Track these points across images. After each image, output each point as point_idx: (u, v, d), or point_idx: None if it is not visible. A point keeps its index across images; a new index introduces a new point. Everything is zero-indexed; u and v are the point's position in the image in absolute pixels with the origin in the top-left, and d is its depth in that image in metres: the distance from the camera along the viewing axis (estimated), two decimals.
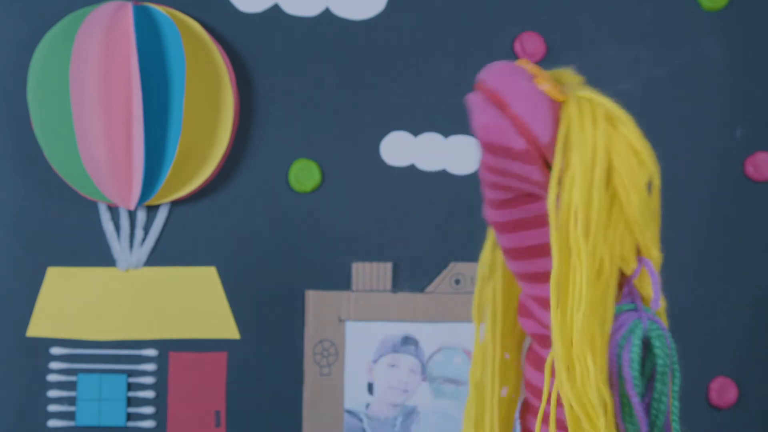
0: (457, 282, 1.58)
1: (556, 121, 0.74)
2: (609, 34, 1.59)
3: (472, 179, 1.59)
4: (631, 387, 0.78)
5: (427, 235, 1.58)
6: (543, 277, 0.79)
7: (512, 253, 0.81)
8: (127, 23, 1.47)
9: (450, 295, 1.58)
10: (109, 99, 1.45)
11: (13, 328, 1.57)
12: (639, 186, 0.76)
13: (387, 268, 1.58)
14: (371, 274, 1.58)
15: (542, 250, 0.79)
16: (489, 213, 0.82)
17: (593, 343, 0.75)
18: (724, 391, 1.57)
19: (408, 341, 1.58)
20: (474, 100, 0.75)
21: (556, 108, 0.75)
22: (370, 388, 1.58)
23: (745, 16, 1.59)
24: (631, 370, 0.78)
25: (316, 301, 1.58)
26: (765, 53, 1.59)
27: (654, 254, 0.80)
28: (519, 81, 0.74)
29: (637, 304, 0.80)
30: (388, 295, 1.58)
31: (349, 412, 1.58)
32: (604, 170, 0.74)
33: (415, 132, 1.59)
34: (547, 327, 0.80)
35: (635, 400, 0.78)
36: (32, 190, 1.58)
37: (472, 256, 1.58)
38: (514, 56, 1.59)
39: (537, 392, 0.84)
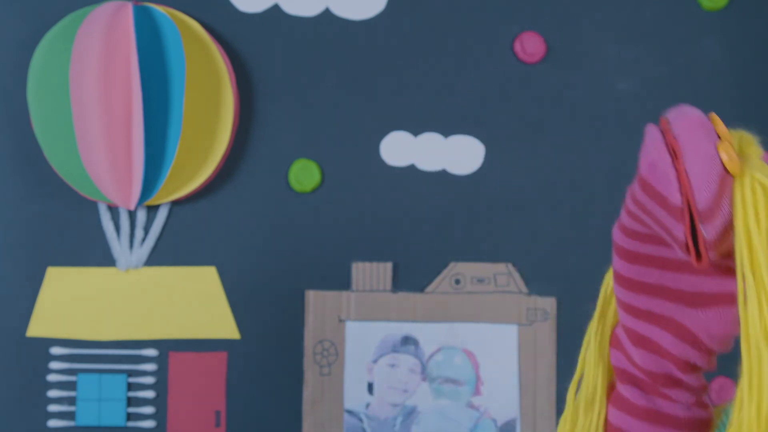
0: (457, 282, 1.58)
1: (720, 193, 0.73)
2: (609, 34, 1.59)
3: (473, 179, 1.59)
4: None
5: (427, 235, 1.58)
6: (643, 314, 0.80)
7: (622, 281, 0.81)
8: (127, 23, 1.47)
9: (450, 295, 1.58)
10: (109, 99, 1.45)
11: (13, 328, 1.57)
12: None
13: (387, 268, 1.58)
14: (371, 274, 1.58)
15: (652, 290, 0.79)
16: (618, 235, 0.81)
17: None
18: (724, 391, 1.57)
19: (408, 341, 1.58)
20: (654, 133, 0.76)
21: (727, 179, 0.74)
22: (370, 387, 1.58)
23: (745, 16, 1.59)
24: None
25: (316, 301, 1.58)
26: (765, 53, 1.59)
27: None
28: (703, 139, 0.74)
29: None
30: (388, 295, 1.58)
31: (349, 412, 1.58)
32: None
33: (415, 132, 1.59)
34: (632, 362, 0.82)
35: None
36: (32, 190, 1.58)
37: (472, 256, 1.59)
38: (514, 56, 1.59)
39: (612, 430, 0.84)
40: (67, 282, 1.58)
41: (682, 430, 0.83)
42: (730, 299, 0.77)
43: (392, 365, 1.58)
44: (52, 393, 1.57)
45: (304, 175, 1.58)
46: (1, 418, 1.57)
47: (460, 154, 1.59)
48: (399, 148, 1.59)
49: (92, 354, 1.58)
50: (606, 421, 0.85)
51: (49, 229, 1.58)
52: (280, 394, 1.58)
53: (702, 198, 0.72)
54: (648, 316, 0.80)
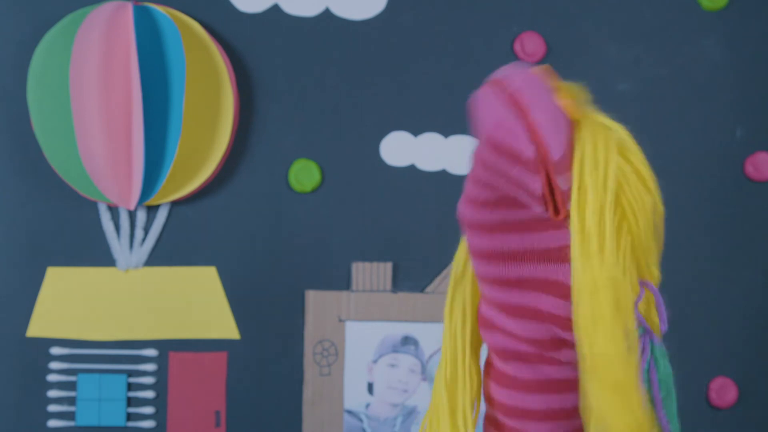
0: None
1: (568, 139, 0.74)
2: (609, 34, 1.59)
3: None
4: (661, 408, 0.78)
5: (427, 235, 1.58)
6: (514, 283, 0.79)
7: (484, 255, 0.81)
8: (127, 23, 1.47)
9: None
10: (109, 99, 1.46)
11: (13, 328, 1.57)
12: (646, 210, 0.78)
13: (387, 268, 1.58)
14: (371, 274, 1.58)
15: (518, 256, 0.78)
16: (467, 210, 0.82)
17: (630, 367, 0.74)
18: (724, 391, 1.57)
19: (408, 341, 1.58)
20: (489, 95, 0.75)
21: (570, 126, 0.75)
22: (370, 388, 1.58)
23: (745, 16, 1.59)
24: (661, 393, 0.78)
25: (316, 301, 1.58)
26: (765, 53, 1.59)
27: (655, 274, 0.81)
28: (543, 90, 0.74)
29: (644, 326, 0.81)
30: (388, 295, 1.58)
31: (349, 412, 1.58)
32: (614, 194, 0.74)
33: (415, 132, 1.59)
34: (515, 336, 0.80)
35: (664, 422, 0.78)
36: (32, 190, 1.58)
37: None
38: (514, 56, 1.59)
39: (505, 409, 0.83)
40: (67, 282, 1.58)
41: (575, 391, 0.81)
42: None
43: (392, 365, 1.58)
44: (52, 393, 1.57)
45: (304, 175, 1.58)
46: (1, 418, 1.57)
47: (460, 154, 1.59)
48: (399, 148, 1.59)
49: (92, 354, 1.58)
50: (496, 403, 0.83)
51: (49, 229, 1.58)
52: (280, 394, 1.58)
53: (555, 147, 0.72)
54: (519, 284, 0.79)
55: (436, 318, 1.58)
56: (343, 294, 1.58)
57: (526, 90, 0.74)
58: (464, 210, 0.81)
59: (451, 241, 1.59)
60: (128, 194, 1.50)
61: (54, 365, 1.57)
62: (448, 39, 1.59)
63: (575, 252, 0.74)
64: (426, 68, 1.59)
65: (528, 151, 0.72)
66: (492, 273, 0.80)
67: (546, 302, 0.78)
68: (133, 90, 1.47)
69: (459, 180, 1.62)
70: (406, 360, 1.58)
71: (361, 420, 1.58)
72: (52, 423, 1.57)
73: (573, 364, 0.80)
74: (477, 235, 0.81)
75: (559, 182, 0.73)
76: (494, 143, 0.74)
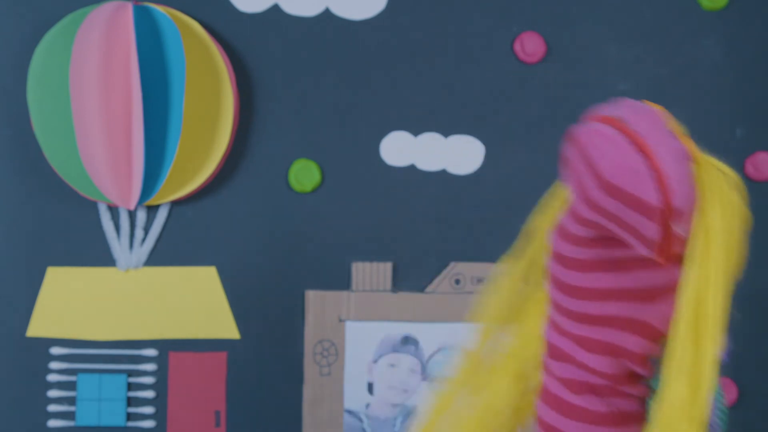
0: (457, 282, 1.58)
1: (692, 187, 0.71)
2: (609, 34, 1.59)
3: (472, 179, 1.59)
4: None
5: (427, 235, 1.58)
6: (598, 320, 0.77)
7: (571, 291, 0.78)
8: (127, 23, 1.47)
9: (450, 295, 1.58)
10: (109, 99, 1.46)
11: (13, 328, 1.57)
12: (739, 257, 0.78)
13: (387, 268, 1.58)
14: (371, 274, 1.58)
15: (608, 294, 0.77)
16: (562, 245, 0.77)
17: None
18: (724, 391, 1.57)
19: (408, 341, 1.58)
20: (604, 133, 0.70)
21: (692, 172, 0.72)
22: (370, 388, 1.58)
23: (745, 16, 1.59)
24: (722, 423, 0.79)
25: (316, 301, 1.58)
26: (765, 53, 1.59)
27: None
28: (668, 134, 0.70)
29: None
30: (388, 295, 1.58)
31: (349, 412, 1.58)
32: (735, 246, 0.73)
33: (415, 132, 1.59)
34: (590, 370, 0.79)
35: None
36: (32, 190, 1.58)
37: (472, 256, 1.59)
38: (514, 56, 1.59)
39: None
40: (67, 282, 1.58)
41: (641, 423, 0.81)
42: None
43: (392, 365, 1.58)
44: (52, 393, 1.57)
45: (304, 175, 1.58)
46: (1, 418, 1.57)
47: (460, 154, 1.59)
48: (399, 148, 1.59)
49: (92, 354, 1.58)
50: (545, 424, 0.82)
51: (49, 229, 1.58)
52: (280, 394, 1.58)
53: (681, 196, 0.70)
54: (604, 321, 0.77)
55: (436, 318, 1.58)
56: (343, 294, 1.58)
57: (652, 133, 0.70)
58: (559, 245, 0.78)
59: (452, 241, 1.59)
60: (128, 194, 1.50)
61: (54, 365, 1.57)
62: (448, 39, 1.59)
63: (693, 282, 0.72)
64: (426, 68, 1.59)
65: (653, 199, 0.69)
66: (576, 307, 0.78)
67: (629, 341, 0.77)
68: (133, 90, 1.47)
69: (459, 180, 1.62)
70: (406, 360, 1.58)
71: (361, 420, 1.58)
72: (52, 423, 1.57)
73: (641, 398, 0.80)
74: (569, 270, 0.78)
75: (679, 228, 0.70)
76: (613, 187, 0.70)
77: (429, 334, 1.58)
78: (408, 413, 1.58)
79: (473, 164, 1.59)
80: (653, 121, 0.71)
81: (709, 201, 0.71)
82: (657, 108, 0.73)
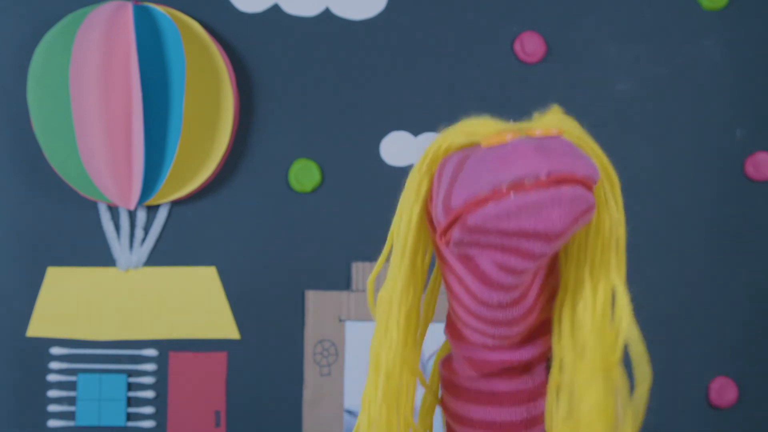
0: None
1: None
2: (609, 34, 1.59)
3: None
4: None
5: None
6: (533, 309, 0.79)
7: (518, 320, 0.79)
8: (127, 23, 1.47)
9: None
10: (109, 99, 1.46)
11: (13, 328, 1.57)
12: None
13: (387, 268, 1.58)
14: (371, 274, 1.58)
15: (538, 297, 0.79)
16: (497, 296, 0.76)
17: None
18: (724, 391, 1.57)
19: None
20: (573, 194, 0.68)
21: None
22: None
23: (745, 16, 1.59)
24: None
25: (316, 301, 1.58)
26: (765, 53, 1.59)
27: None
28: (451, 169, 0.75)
29: None
30: None
31: (349, 412, 1.58)
32: None
33: (415, 132, 1.59)
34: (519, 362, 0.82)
35: None
36: (32, 190, 1.58)
37: None
38: (514, 56, 1.59)
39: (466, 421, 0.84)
40: (67, 282, 1.58)
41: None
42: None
43: None
44: (52, 393, 1.57)
45: (304, 175, 1.58)
46: (1, 418, 1.57)
47: None
48: (399, 148, 1.59)
49: (92, 354, 1.58)
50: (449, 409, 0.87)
51: (49, 229, 1.58)
52: (280, 394, 1.58)
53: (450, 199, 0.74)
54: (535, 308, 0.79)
55: (435, 318, 1.58)
56: (343, 294, 1.58)
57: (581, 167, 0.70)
58: (489, 299, 0.80)
59: None
60: (128, 194, 1.50)
61: (54, 365, 1.57)
62: (448, 39, 1.59)
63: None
64: (426, 68, 1.59)
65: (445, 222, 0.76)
66: (522, 328, 0.80)
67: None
68: (133, 90, 1.47)
69: None
70: None
71: None
72: (52, 423, 1.57)
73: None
74: (511, 309, 0.79)
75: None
76: (564, 233, 0.70)
77: (429, 334, 1.58)
78: None
79: None
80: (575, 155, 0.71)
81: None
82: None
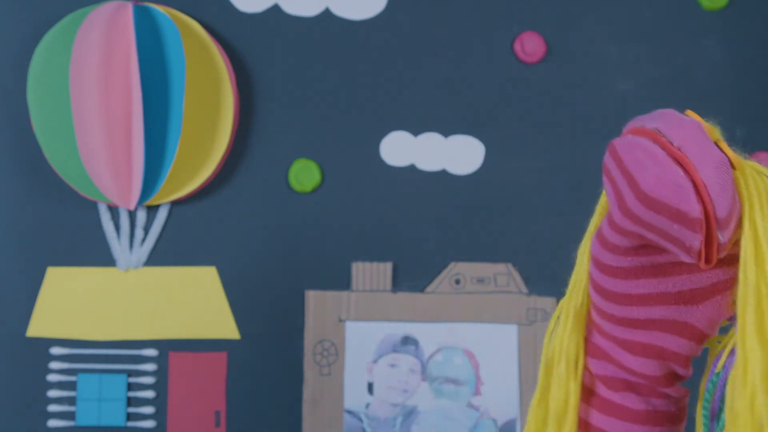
0: (457, 282, 1.58)
1: (733, 194, 0.72)
2: (609, 34, 1.59)
3: (472, 179, 1.59)
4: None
5: (427, 235, 1.58)
6: (641, 324, 0.79)
7: (614, 297, 0.79)
8: (127, 23, 1.47)
9: (450, 295, 1.58)
10: (109, 99, 1.46)
11: (13, 328, 1.57)
12: None
13: (387, 268, 1.58)
14: (371, 274, 1.58)
15: (650, 299, 0.78)
16: (606, 256, 0.78)
17: None
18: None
19: (408, 341, 1.58)
20: (641, 146, 0.71)
21: (732, 178, 0.72)
22: (370, 387, 1.58)
23: (745, 16, 1.59)
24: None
25: (316, 301, 1.58)
26: (765, 53, 1.59)
27: None
28: (707, 144, 0.71)
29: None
30: (388, 295, 1.58)
31: (349, 412, 1.58)
32: None
33: (415, 132, 1.59)
34: (631, 371, 0.81)
35: None
36: (32, 190, 1.58)
37: (472, 256, 1.59)
38: (514, 56, 1.59)
39: None
40: (67, 282, 1.58)
41: (676, 425, 0.82)
42: (725, 286, 0.77)
43: (392, 365, 1.58)
44: (52, 393, 1.57)
45: (304, 175, 1.58)
46: (1, 418, 1.57)
47: (460, 154, 1.59)
48: (399, 148, 1.59)
49: (92, 354, 1.58)
50: (594, 430, 0.84)
51: (49, 229, 1.58)
52: (280, 394, 1.58)
53: (723, 206, 0.71)
54: (647, 324, 0.79)
55: (436, 318, 1.58)
56: (343, 294, 1.58)
57: (690, 144, 0.71)
58: (600, 253, 0.79)
59: (452, 241, 1.59)
60: (128, 194, 1.50)
61: (54, 365, 1.57)
62: (448, 39, 1.59)
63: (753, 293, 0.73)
64: (426, 68, 1.59)
65: (694, 211, 0.70)
66: (619, 312, 0.80)
67: (673, 342, 0.79)
68: (133, 90, 1.47)
69: (459, 180, 1.62)
70: (406, 360, 1.58)
71: (361, 420, 1.58)
72: (52, 423, 1.57)
73: (679, 398, 0.82)
74: (611, 278, 0.79)
75: (721, 235, 0.72)
76: (653, 201, 0.71)
77: (429, 334, 1.58)
78: (408, 413, 1.58)
79: (473, 164, 1.59)
80: (691, 132, 0.72)
81: (752, 205, 0.73)
82: (695, 117, 0.74)
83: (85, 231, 1.58)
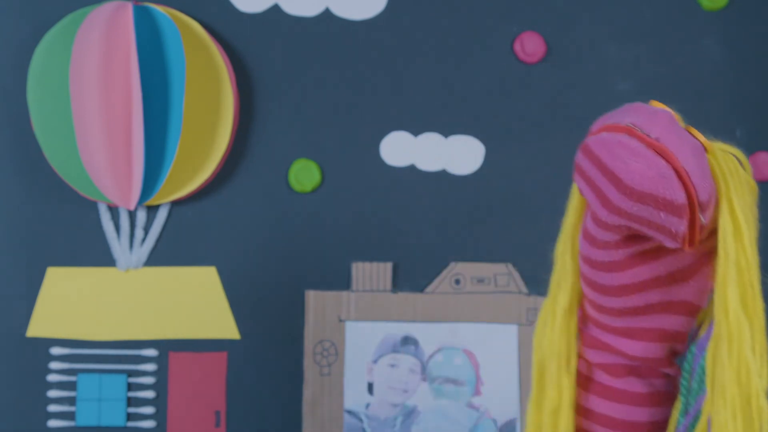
0: (457, 282, 1.58)
1: (710, 177, 0.76)
2: (609, 34, 1.59)
3: (472, 179, 1.59)
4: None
5: (427, 235, 1.58)
6: (641, 310, 0.81)
7: (611, 290, 0.81)
8: (127, 23, 1.47)
9: (450, 295, 1.58)
10: (109, 99, 1.46)
11: (13, 328, 1.57)
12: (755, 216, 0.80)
13: (387, 268, 1.58)
14: (371, 274, 1.58)
15: (648, 285, 0.80)
16: (595, 253, 0.80)
17: None
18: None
19: (408, 341, 1.58)
20: (624, 144, 0.74)
21: (706, 162, 0.76)
22: (370, 388, 1.58)
23: (745, 16, 1.59)
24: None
25: (316, 301, 1.58)
26: (765, 53, 1.59)
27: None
28: (681, 132, 0.75)
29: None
30: (388, 295, 1.58)
31: (349, 412, 1.58)
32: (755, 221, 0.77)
33: (415, 132, 1.59)
34: (631, 357, 0.82)
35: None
36: (32, 190, 1.58)
37: (472, 256, 1.59)
38: (514, 56, 1.59)
39: (608, 422, 0.84)
40: (67, 282, 1.58)
41: (672, 404, 0.84)
42: (708, 259, 0.79)
43: (392, 365, 1.58)
44: (52, 393, 1.57)
45: (304, 175, 1.58)
46: (1, 418, 1.57)
47: (460, 154, 1.59)
48: (399, 148, 1.59)
49: (92, 354, 1.58)
50: (596, 416, 0.84)
51: (49, 229, 1.58)
52: (280, 394, 1.58)
53: (704, 190, 0.74)
54: (646, 310, 0.80)
55: (435, 318, 1.58)
56: (343, 294, 1.58)
57: (669, 135, 0.74)
58: (589, 251, 0.81)
59: (452, 241, 1.59)
60: (128, 194, 1.50)
61: (54, 365, 1.57)
62: (448, 39, 1.59)
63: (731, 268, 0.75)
64: (426, 68, 1.59)
65: (680, 198, 0.73)
66: (620, 304, 0.81)
67: (674, 322, 0.81)
68: (133, 90, 1.47)
69: (459, 180, 1.62)
70: (406, 360, 1.58)
71: (361, 420, 1.58)
72: (52, 423, 1.57)
73: (675, 378, 0.84)
74: (603, 273, 0.81)
75: (702, 217, 0.74)
76: (639, 194, 0.73)
77: (429, 334, 1.58)
78: (408, 413, 1.58)
79: (473, 164, 1.59)
80: (665, 122, 0.75)
81: (726, 184, 0.76)
82: (663, 107, 0.77)
83: (85, 231, 1.58)
